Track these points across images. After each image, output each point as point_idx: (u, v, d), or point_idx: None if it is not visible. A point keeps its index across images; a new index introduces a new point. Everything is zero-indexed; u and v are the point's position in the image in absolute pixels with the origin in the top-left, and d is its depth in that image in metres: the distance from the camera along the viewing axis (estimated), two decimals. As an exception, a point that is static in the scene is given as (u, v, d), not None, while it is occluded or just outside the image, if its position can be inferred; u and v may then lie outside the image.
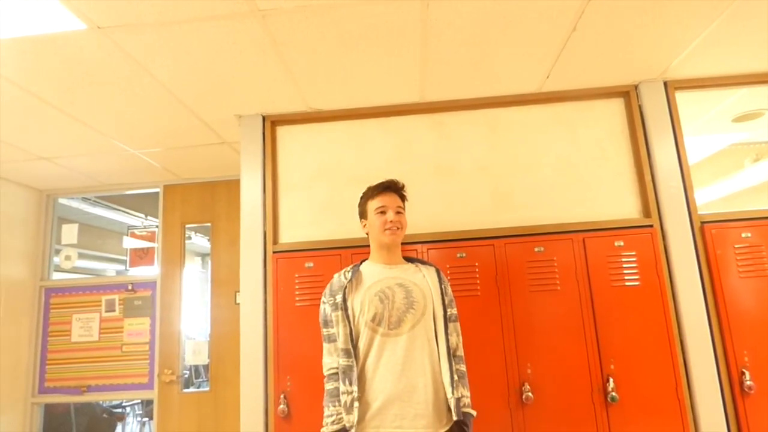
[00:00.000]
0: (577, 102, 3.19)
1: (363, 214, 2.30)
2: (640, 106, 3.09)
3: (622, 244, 2.89)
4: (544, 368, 2.77)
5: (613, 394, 2.67)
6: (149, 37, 2.29)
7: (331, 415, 2.00)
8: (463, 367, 2.14)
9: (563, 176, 3.10)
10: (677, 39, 2.62)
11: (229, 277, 4.30)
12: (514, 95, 3.16)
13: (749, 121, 3.41)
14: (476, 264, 2.92)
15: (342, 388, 2.00)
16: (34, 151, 3.64)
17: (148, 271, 4.51)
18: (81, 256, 4.95)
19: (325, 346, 2.13)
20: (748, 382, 2.67)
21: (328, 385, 2.08)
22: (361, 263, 2.26)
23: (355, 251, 2.93)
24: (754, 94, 3.17)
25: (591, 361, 2.75)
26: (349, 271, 2.19)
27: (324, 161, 3.23)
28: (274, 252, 3.05)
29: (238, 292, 4.15)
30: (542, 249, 2.91)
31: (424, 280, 2.17)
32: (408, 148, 3.22)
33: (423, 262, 2.29)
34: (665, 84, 3.08)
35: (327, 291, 2.19)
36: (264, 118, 3.25)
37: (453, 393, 1.97)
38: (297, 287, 2.95)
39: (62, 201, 4.80)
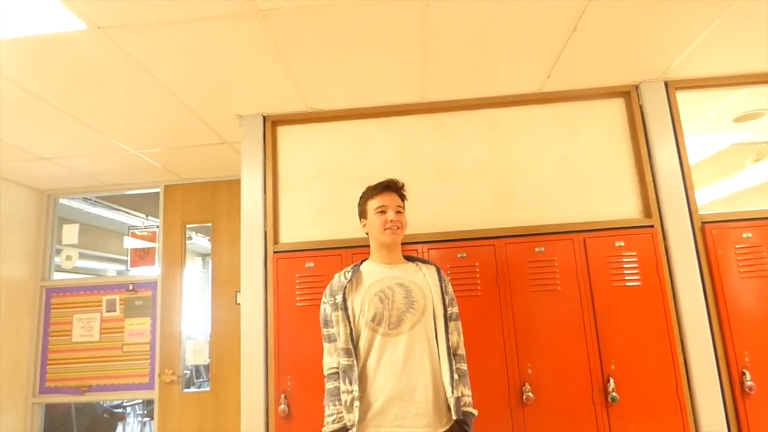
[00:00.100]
0: (577, 102, 3.18)
1: (363, 214, 2.30)
2: (640, 106, 3.09)
3: (622, 244, 2.89)
4: (545, 368, 2.77)
5: (614, 394, 2.67)
6: (150, 37, 2.29)
7: (332, 414, 2.01)
8: (464, 366, 2.14)
9: (564, 176, 3.10)
10: (678, 39, 2.62)
11: (230, 277, 4.30)
12: (514, 95, 3.16)
13: (750, 121, 3.41)
14: (477, 264, 2.92)
15: (342, 387, 2.01)
16: (34, 151, 3.64)
17: (149, 271, 4.51)
18: (82, 256, 4.96)
19: (326, 345, 2.14)
20: (749, 383, 2.67)
21: (329, 385, 2.08)
22: (361, 263, 2.26)
23: (355, 251, 2.93)
24: (755, 94, 3.16)
25: (591, 361, 2.75)
26: (349, 271, 2.19)
27: (324, 161, 3.23)
28: (274, 252, 3.06)
29: (239, 292, 4.15)
30: (543, 249, 2.91)
31: (425, 280, 2.17)
32: (408, 148, 3.22)
33: (423, 261, 2.29)
34: (666, 84, 3.08)
35: (327, 291, 2.19)
36: (264, 118, 3.25)
37: (452, 392, 1.97)
38: (297, 287, 2.95)
39: (63, 201, 4.80)
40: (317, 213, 3.17)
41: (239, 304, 3.61)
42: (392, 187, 2.26)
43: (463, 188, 3.13)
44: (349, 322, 2.05)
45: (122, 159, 3.92)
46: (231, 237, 4.36)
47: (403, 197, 2.29)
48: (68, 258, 4.61)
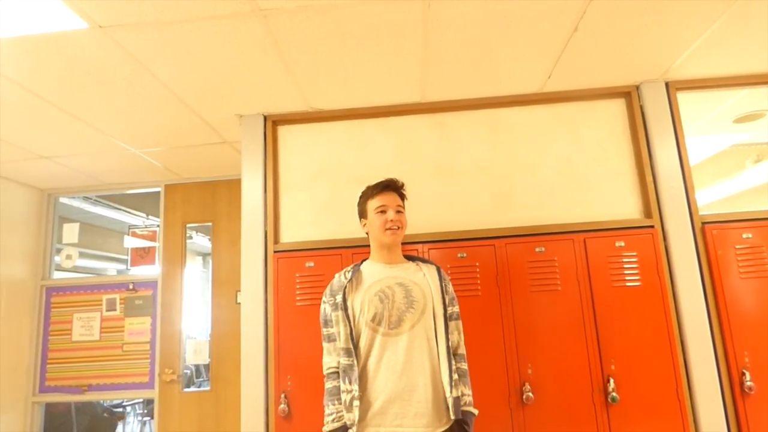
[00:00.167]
0: (578, 102, 3.18)
1: (363, 214, 2.30)
2: (641, 107, 3.09)
3: (623, 244, 2.89)
4: (545, 368, 2.77)
5: (614, 394, 2.67)
6: (151, 37, 2.29)
7: (332, 414, 2.01)
8: (464, 366, 2.14)
9: (564, 176, 3.10)
10: (679, 39, 2.62)
11: (230, 276, 4.30)
12: (515, 95, 3.16)
13: (750, 122, 3.41)
14: (477, 264, 2.92)
15: (342, 387, 2.01)
16: (35, 150, 3.64)
17: (149, 271, 4.51)
18: (82, 255, 4.96)
19: (325, 345, 2.14)
20: (749, 383, 2.67)
21: (328, 384, 2.08)
22: (361, 263, 2.26)
23: (355, 251, 2.93)
24: (756, 95, 3.16)
25: (591, 361, 2.75)
26: (349, 271, 2.19)
27: (325, 161, 3.24)
28: (274, 252, 3.06)
29: (239, 291, 4.14)
30: (543, 249, 2.91)
31: (425, 279, 2.17)
32: (409, 148, 3.22)
33: (424, 261, 2.29)
34: (667, 84, 3.08)
35: (327, 291, 2.19)
36: (265, 118, 3.25)
37: (451, 392, 1.97)
38: (298, 287, 2.95)
39: (63, 200, 4.80)
40: (317, 213, 3.17)
41: (239, 303, 3.61)
42: (392, 186, 2.26)
43: (463, 188, 3.13)
44: (349, 322, 2.06)
45: (123, 158, 3.93)
46: (231, 236, 4.36)
47: (403, 197, 2.29)
48: (68, 257, 4.62)
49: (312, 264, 2.98)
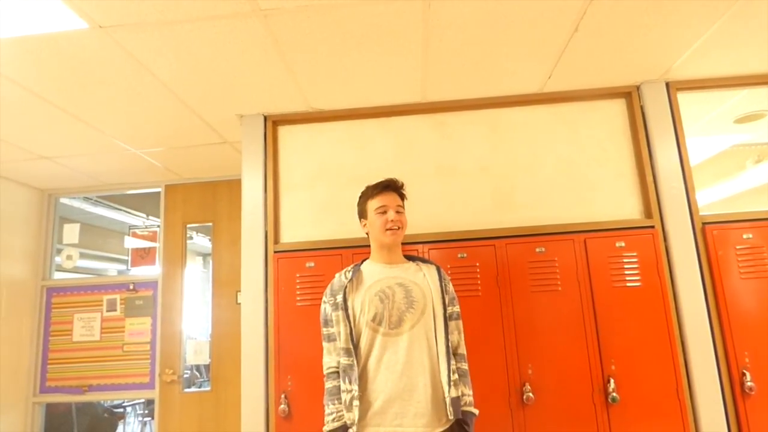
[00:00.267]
0: (578, 102, 3.18)
1: (363, 214, 2.30)
2: (641, 107, 3.09)
3: (623, 244, 2.89)
4: (545, 368, 2.77)
5: (614, 394, 2.67)
6: (151, 37, 2.30)
7: (332, 413, 2.02)
8: (465, 366, 2.14)
9: (565, 177, 3.10)
10: (679, 40, 2.62)
11: (231, 276, 4.30)
12: (515, 95, 3.16)
13: (751, 123, 3.41)
14: (477, 264, 2.92)
15: (342, 386, 2.01)
16: (35, 150, 3.64)
17: (150, 271, 4.51)
18: (82, 255, 4.96)
19: (325, 345, 2.14)
20: (749, 383, 2.67)
21: (328, 384, 2.09)
22: (361, 263, 2.27)
23: (356, 251, 2.93)
24: (756, 95, 3.16)
25: (592, 361, 2.75)
26: (349, 271, 2.19)
27: (325, 161, 3.24)
28: (275, 252, 3.06)
29: (240, 291, 4.15)
30: (543, 249, 2.91)
31: (425, 279, 2.17)
32: (409, 148, 3.22)
33: (424, 261, 2.29)
34: (667, 85, 3.08)
35: (328, 291, 2.20)
36: (265, 118, 3.26)
37: (449, 392, 1.97)
38: (298, 287, 2.95)
39: (64, 200, 4.81)
40: (318, 213, 3.17)
41: (240, 303, 3.61)
42: (392, 186, 2.26)
43: (463, 188, 3.13)
44: (350, 322, 2.06)
45: (123, 158, 3.93)
46: (232, 237, 4.36)
47: (403, 197, 2.29)
48: (69, 257, 4.62)
49: (312, 264, 2.98)
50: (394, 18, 2.27)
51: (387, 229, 2.17)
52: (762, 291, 2.79)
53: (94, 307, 4.41)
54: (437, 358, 2.05)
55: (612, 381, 2.70)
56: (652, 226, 2.93)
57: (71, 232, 4.64)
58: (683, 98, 3.10)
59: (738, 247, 2.85)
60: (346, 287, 2.12)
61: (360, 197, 2.33)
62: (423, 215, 3.06)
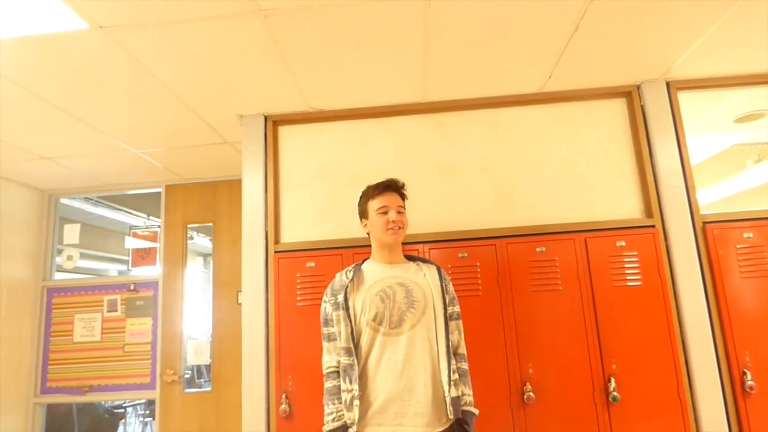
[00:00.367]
0: (579, 102, 3.18)
1: (363, 214, 2.30)
2: (642, 107, 3.09)
3: (623, 244, 2.89)
4: (546, 368, 2.77)
5: (615, 394, 2.67)
6: (151, 37, 2.30)
7: (332, 413, 2.02)
8: (465, 366, 2.14)
9: (565, 176, 3.10)
10: (679, 39, 2.62)
11: (231, 277, 4.30)
12: (516, 95, 3.16)
13: (751, 122, 3.41)
14: (478, 264, 2.92)
15: (343, 386, 2.02)
16: (36, 151, 3.65)
17: (150, 271, 4.51)
18: (83, 256, 4.96)
19: (325, 345, 2.14)
20: (750, 382, 2.67)
21: (328, 384, 2.09)
22: (362, 263, 2.27)
23: (356, 251, 2.93)
24: (756, 94, 3.16)
25: (593, 361, 2.75)
26: (350, 271, 2.19)
27: (325, 161, 3.24)
28: (275, 252, 3.06)
29: (240, 292, 4.15)
30: (544, 249, 2.91)
31: (425, 279, 2.17)
32: (409, 148, 3.22)
33: (424, 261, 2.30)
34: (667, 84, 3.08)
35: (328, 290, 2.20)
36: (266, 118, 3.26)
37: (450, 391, 1.97)
38: (298, 287, 2.95)
39: (64, 201, 4.81)
40: (318, 213, 3.17)
41: (240, 304, 3.61)
42: (393, 187, 2.26)
43: (464, 188, 3.13)
44: (350, 322, 2.06)
45: (123, 159, 3.93)
46: (232, 237, 4.36)
47: (403, 197, 2.29)
48: (69, 258, 4.62)
49: (313, 264, 2.98)
50: (394, 18, 2.27)
51: (388, 229, 2.17)
52: (762, 290, 2.79)
53: (94, 307, 4.41)
54: (438, 358, 2.05)
55: (613, 380, 2.70)
56: (653, 226, 2.93)
57: (72, 233, 4.65)
58: (683, 98, 3.10)
59: (738, 246, 2.85)
60: (347, 287, 2.12)
61: (361, 197, 2.33)
62: (423, 215, 3.06)
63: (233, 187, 4.40)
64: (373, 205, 2.23)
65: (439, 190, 3.14)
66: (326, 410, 2.04)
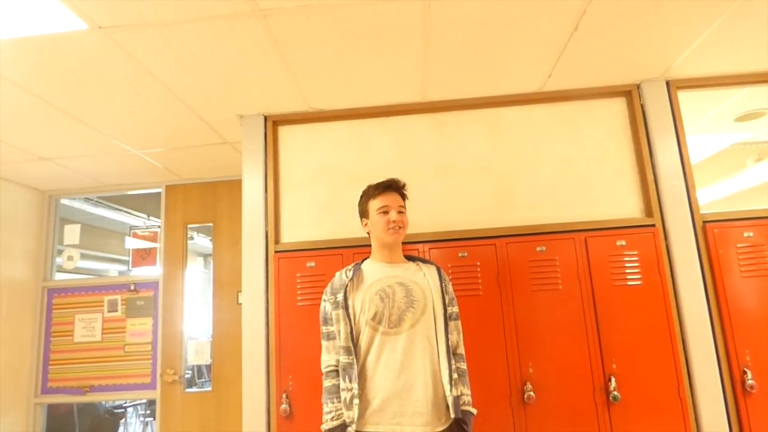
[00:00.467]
0: (579, 101, 3.18)
1: (364, 213, 2.30)
2: (642, 106, 3.09)
3: (624, 243, 2.88)
4: (546, 367, 2.77)
5: (615, 393, 2.67)
6: (151, 37, 2.30)
7: (331, 412, 2.02)
8: (463, 366, 2.15)
9: (565, 176, 3.10)
10: (679, 38, 2.62)
11: (231, 277, 4.30)
12: (515, 95, 3.16)
13: (751, 121, 3.40)
14: (478, 263, 2.92)
15: (342, 385, 2.02)
16: (35, 151, 3.65)
17: (151, 272, 4.51)
18: (83, 256, 4.96)
19: (324, 343, 2.15)
20: (750, 382, 2.67)
21: (327, 383, 2.09)
22: (362, 262, 2.27)
23: (356, 251, 2.93)
24: (757, 93, 3.16)
25: (593, 360, 2.75)
26: (350, 270, 2.19)
27: (325, 161, 3.24)
28: (275, 252, 3.06)
29: (240, 292, 4.15)
30: (544, 248, 2.91)
31: (425, 279, 2.17)
32: (409, 147, 3.22)
33: (424, 261, 2.30)
34: (667, 83, 3.08)
35: (328, 289, 2.20)
36: (266, 118, 3.26)
37: (451, 391, 1.98)
38: (299, 287, 2.96)
39: (64, 201, 4.81)
40: (318, 212, 3.17)
41: (241, 304, 3.61)
42: (394, 186, 2.26)
43: (464, 188, 3.13)
44: (350, 321, 2.06)
45: (123, 159, 3.93)
46: (232, 237, 4.37)
47: (404, 197, 2.30)
48: (70, 258, 4.62)
49: (313, 264, 2.98)
50: (394, 18, 2.27)
51: (389, 229, 2.17)
52: (763, 289, 2.79)
53: (95, 307, 4.41)
54: (437, 358, 2.05)
55: (613, 379, 2.70)
56: (653, 225, 2.93)
57: (72, 233, 4.65)
58: (683, 97, 3.10)
59: (739, 245, 2.85)
60: (346, 286, 2.12)
61: (361, 197, 2.33)
62: (423, 215, 3.06)
63: (233, 187, 4.40)
64: (374, 204, 2.23)
65: (439, 190, 3.14)
66: (325, 409, 2.04)
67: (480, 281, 2.89)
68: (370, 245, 2.31)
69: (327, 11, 2.19)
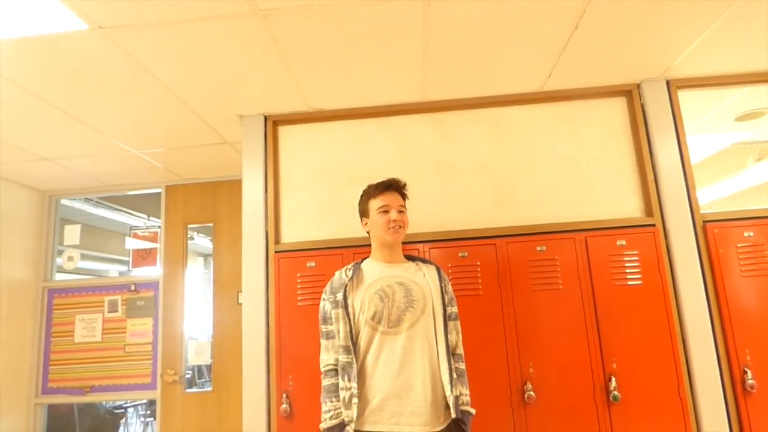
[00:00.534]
0: (579, 101, 3.18)
1: (364, 213, 2.30)
2: (642, 105, 3.09)
3: (624, 243, 2.88)
4: (547, 367, 2.76)
5: (615, 393, 2.66)
6: (151, 37, 2.30)
7: (329, 411, 2.02)
8: (462, 366, 2.15)
9: (565, 175, 3.09)
10: (679, 38, 2.62)
11: (232, 277, 4.31)
12: (515, 94, 3.16)
13: (752, 121, 3.40)
14: (478, 263, 2.92)
15: (341, 384, 2.02)
16: (36, 151, 3.65)
17: (151, 272, 4.51)
18: (83, 256, 4.97)
19: (323, 342, 2.15)
20: (750, 381, 2.67)
21: (325, 381, 2.09)
22: (362, 261, 2.27)
23: (356, 250, 2.93)
24: (757, 93, 3.16)
25: (593, 360, 2.75)
26: (350, 269, 2.20)
27: (325, 161, 3.24)
28: (276, 252, 3.06)
29: (241, 292, 4.15)
30: (544, 248, 2.91)
31: (425, 279, 2.17)
32: (409, 147, 3.22)
33: (424, 261, 2.30)
34: (667, 83, 3.08)
35: (328, 288, 2.20)
36: (266, 118, 3.26)
37: (451, 391, 1.98)
38: (299, 287, 2.96)
39: (64, 202, 4.81)
40: (318, 212, 3.17)
41: (241, 304, 3.61)
42: (394, 186, 2.26)
43: (464, 187, 3.13)
44: (349, 320, 2.06)
45: (123, 159, 3.93)
46: (232, 237, 4.37)
47: (404, 196, 2.30)
48: (70, 259, 4.62)
49: (313, 264, 2.98)
50: (394, 18, 2.27)
51: (389, 228, 2.18)
52: (763, 289, 2.79)
53: (95, 308, 4.41)
54: (437, 358, 2.06)
55: (613, 379, 2.70)
56: (653, 225, 2.92)
57: (72, 234, 4.65)
58: (684, 96, 3.10)
59: (739, 245, 2.85)
60: (346, 285, 2.13)
61: (362, 196, 2.33)
62: (423, 214, 3.06)
63: (233, 187, 4.40)
64: (375, 204, 2.24)
65: (439, 190, 3.14)
66: (324, 408, 2.05)
67: (480, 281, 2.89)
68: (370, 245, 2.32)
69: (327, 11, 2.19)
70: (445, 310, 2.12)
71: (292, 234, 3.15)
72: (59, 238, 4.65)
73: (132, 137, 3.51)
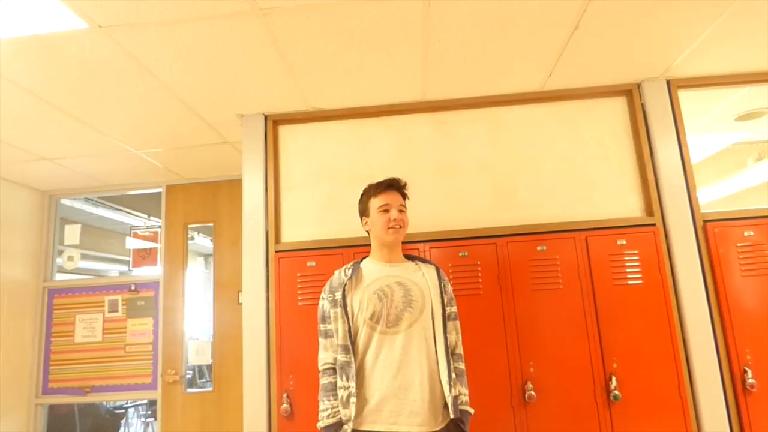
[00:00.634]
0: (579, 101, 3.18)
1: (364, 212, 2.30)
2: (642, 105, 3.09)
3: (624, 242, 2.88)
4: (547, 367, 2.76)
5: (616, 392, 2.66)
6: (151, 37, 2.30)
7: (327, 409, 2.03)
8: (461, 366, 2.15)
9: (565, 175, 3.09)
10: (680, 37, 2.62)
11: (232, 277, 4.30)
12: (516, 94, 3.16)
13: (752, 120, 3.41)
14: (478, 263, 2.92)
15: (340, 383, 2.02)
16: (35, 151, 3.65)
17: (151, 272, 4.51)
18: (84, 256, 4.97)
19: (321, 341, 2.16)
20: (751, 380, 2.67)
21: (323, 380, 2.10)
22: (361, 260, 2.27)
23: (357, 250, 2.93)
24: (757, 93, 3.16)
25: (594, 359, 2.75)
26: (349, 269, 2.20)
27: (326, 160, 3.24)
28: (276, 251, 3.06)
29: (241, 292, 4.15)
30: (544, 248, 2.91)
31: (424, 279, 2.18)
32: (410, 147, 3.22)
33: (423, 261, 2.30)
34: (668, 82, 3.08)
35: (327, 287, 2.20)
36: (266, 118, 3.26)
37: (450, 391, 1.98)
38: (299, 287, 2.95)
39: (65, 202, 4.81)
40: (319, 212, 3.17)
41: (241, 304, 3.62)
42: (395, 185, 2.27)
43: (464, 187, 3.13)
44: (348, 319, 2.06)
45: (124, 159, 3.93)
46: (233, 237, 4.36)
47: (405, 196, 2.30)
48: (70, 259, 4.62)
49: (313, 263, 2.98)
50: (393, 17, 2.27)
51: (389, 228, 2.18)
52: (763, 288, 2.78)
53: (95, 308, 4.41)
54: (436, 358, 2.06)
55: (614, 379, 2.70)
56: (654, 224, 2.92)
57: (72, 233, 4.65)
58: (684, 96, 3.10)
59: (739, 244, 2.85)
60: (345, 284, 2.13)
61: (362, 195, 2.33)
62: (424, 214, 3.06)
63: (233, 187, 4.40)
64: (375, 203, 2.24)
65: (440, 189, 3.14)
66: (321, 406, 2.05)
67: (480, 281, 2.89)
68: (370, 245, 2.32)
69: (327, 10, 2.19)
70: (444, 310, 2.12)
71: (293, 234, 3.15)
72: (59, 238, 4.65)
73: (132, 137, 3.50)
